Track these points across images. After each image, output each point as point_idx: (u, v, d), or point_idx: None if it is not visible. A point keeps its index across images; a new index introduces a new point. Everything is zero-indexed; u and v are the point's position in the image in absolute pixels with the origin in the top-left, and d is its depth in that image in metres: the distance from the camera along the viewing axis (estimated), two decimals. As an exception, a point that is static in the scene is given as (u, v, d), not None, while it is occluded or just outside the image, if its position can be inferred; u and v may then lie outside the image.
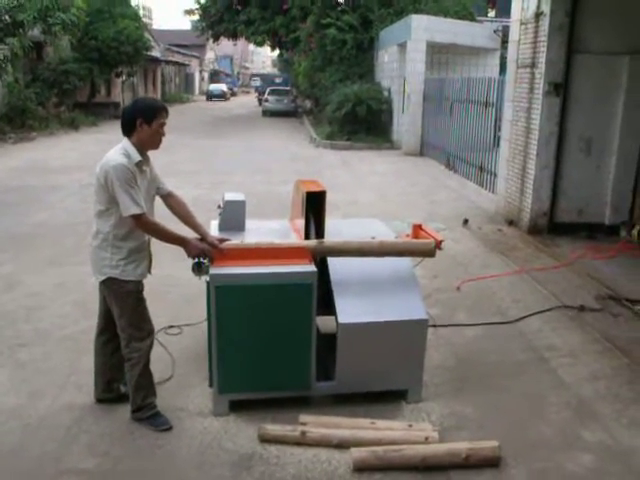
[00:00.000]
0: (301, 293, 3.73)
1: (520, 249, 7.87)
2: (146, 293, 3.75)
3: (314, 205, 4.12)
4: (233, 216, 4.33)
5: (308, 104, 36.66)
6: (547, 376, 4.58)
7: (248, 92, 76.68)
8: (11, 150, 17.42)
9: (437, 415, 3.98)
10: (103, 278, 3.62)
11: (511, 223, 9.00)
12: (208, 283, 3.71)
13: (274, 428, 3.65)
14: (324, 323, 4.23)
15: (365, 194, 11.35)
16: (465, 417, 3.98)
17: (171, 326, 5.15)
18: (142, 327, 3.71)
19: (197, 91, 65.50)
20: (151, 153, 3.70)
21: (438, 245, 4.24)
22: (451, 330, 5.29)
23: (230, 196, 4.43)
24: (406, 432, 3.62)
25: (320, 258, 4.00)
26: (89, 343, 4.72)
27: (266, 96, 36.40)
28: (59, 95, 24.67)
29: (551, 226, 8.56)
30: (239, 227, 4.34)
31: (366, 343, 3.92)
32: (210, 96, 55.90)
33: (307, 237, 4.09)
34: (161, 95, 46.90)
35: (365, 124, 19.71)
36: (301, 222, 4.19)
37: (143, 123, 3.52)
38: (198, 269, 3.77)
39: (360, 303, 3.94)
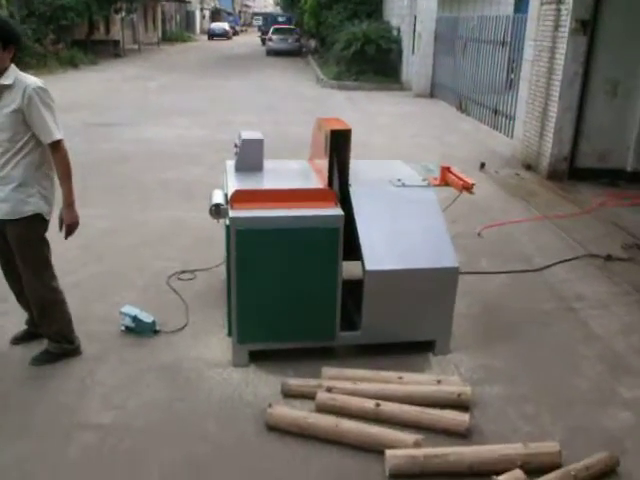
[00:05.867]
0: (327, 238, 3.48)
1: (540, 194, 7.60)
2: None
3: (338, 144, 3.83)
4: (250, 155, 4.07)
5: (313, 44, 35.77)
6: (577, 327, 4.38)
7: (245, 31, 75.53)
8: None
9: (466, 368, 3.79)
10: (29, 214, 3.33)
11: (529, 167, 8.70)
12: (228, 227, 3.46)
13: (298, 383, 3.44)
14: (346, 268, 4.00)
15: (376, 136, 10.98)
16: (495, 370, 3.79)
17: (183, 271, 4.92)
18: None
19: (198, 30, 64.01)
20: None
21: (470, 189, 4.02)
22: (475, 277, 5.07)
23: (247, 134, 4.16)
24: (437, 389, 3.40)
25: (344, 201, 3.74)
26: (98, 289, 4.54)
27: (270, 35, 35.63)
28: (56, 32, 23.88)
29: (571, 171, 8.27)
30: (257, 167, 4.09)
31: (393, 291, 3.69)
32: (212, 35, 54.57)
33: (330, 178, 3.82)
34: (162, 34, 45.82)
35: (374, 64, 19.18)
36: (322, 162, 3.91)
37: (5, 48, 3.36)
38: (216, 211, 3.55)
39: (388, 249, 3.69)
